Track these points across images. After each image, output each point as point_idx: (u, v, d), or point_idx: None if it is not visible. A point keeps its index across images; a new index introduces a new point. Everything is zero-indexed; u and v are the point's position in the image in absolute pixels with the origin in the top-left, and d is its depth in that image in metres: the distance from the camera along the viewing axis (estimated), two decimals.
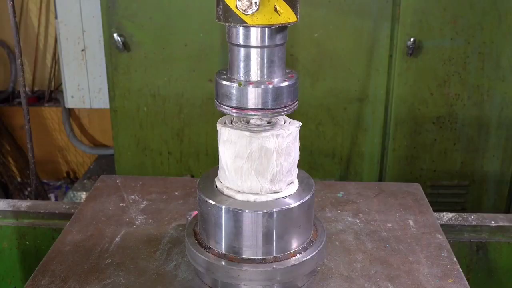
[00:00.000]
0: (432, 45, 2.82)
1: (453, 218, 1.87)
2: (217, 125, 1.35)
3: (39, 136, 4.75)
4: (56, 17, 3.68)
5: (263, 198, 1.34)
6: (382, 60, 2.87)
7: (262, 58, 1.26)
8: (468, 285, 1.41)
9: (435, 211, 1.81)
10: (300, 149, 1.39)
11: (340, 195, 1.88)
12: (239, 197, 1.34)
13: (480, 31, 2.78)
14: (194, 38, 2.86)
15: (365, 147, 3.03)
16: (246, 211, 1.30)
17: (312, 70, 2.89)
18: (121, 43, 2.84)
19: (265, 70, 1.27)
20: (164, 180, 2.00)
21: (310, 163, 3.05)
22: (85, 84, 3.81)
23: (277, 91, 1.26)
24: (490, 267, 1.90)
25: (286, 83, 1.28)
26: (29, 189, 4.75)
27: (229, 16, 1.21)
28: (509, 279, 1.92)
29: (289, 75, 1.31)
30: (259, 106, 1.26)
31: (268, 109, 1.27)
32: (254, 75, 1.27)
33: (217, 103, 1.31)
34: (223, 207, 1.31)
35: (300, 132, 1.37)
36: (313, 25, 2.81)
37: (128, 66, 2.93)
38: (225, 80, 1.28)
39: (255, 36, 1.24)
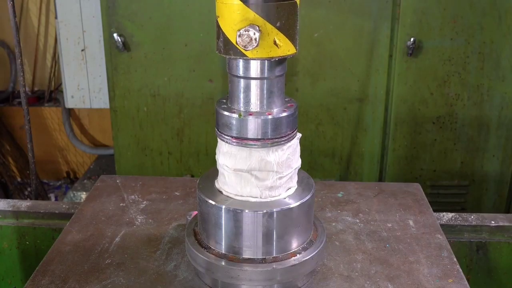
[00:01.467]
0: (432, 45, 2.82)
1: (453, 218, 1.87)
2: (218, 138, 1.36)
3: (39, 136, 4.75)
4: (56, 17, 3.68)
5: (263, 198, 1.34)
6: (382, 60, 2.87)
7: (261, 89, 1.29)
8: (468, 285, 1.41)
9: (435, 211, 1.81)
10: (300, 150, 1.39)
11: (340, 195, 1.88)
12: (239, 197, 1.34)
13: (480, 31, 2.78)
14: (194, 38, 2.86)
15: (365, 147, 3.03)
16: (246, 211, 1.30)
17: (312, 70, 2.89)
18: (121, 43, 2.84)
19: (265, 100, 1.29)
20: (164, 180, 2.00)
21: (310, 163, 3.05)
22: (85, 84, 3.81)
23: (277, 122, 1.29)
24: (490, 267, 1.90)
25: (285, 114, 1.30)
26: (29, 189, 4.75)
27: (229, 49, 1.23)
28: (509, 279, 1.92)
29: (289, 104, 1.33)
30: (259, 137, 1.28)
31: (268, 139, 1.29)
32: (254, 106, 1.29)
33: (218, 132, 1.34)
34: (223, 207, 1.32)
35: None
36: (313, 25, 2.81)
37: (128, 66, 2.93)
38: (226, 110, 1.30)
39: (255, 68, 1.26)
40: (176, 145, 3.08)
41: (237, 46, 1.20)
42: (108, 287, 1.39)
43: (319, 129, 2.99)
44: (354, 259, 1.51)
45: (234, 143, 1.30)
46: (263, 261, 1.33)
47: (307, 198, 1.35)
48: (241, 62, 1.26)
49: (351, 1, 2.78)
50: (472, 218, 1.88)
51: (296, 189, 1.39)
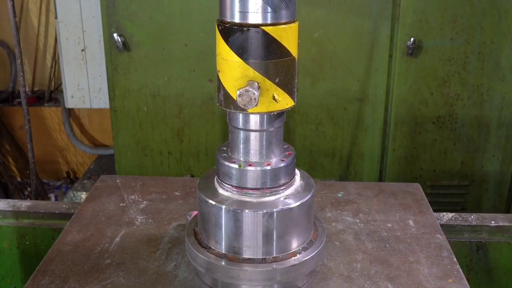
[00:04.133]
0: (432, 45, 2.82)
1: (453, 218, 1.87)
2: (217, 184, 1.38)
3: (39, 136, 4.75)
4: (56, 17, 3.69)
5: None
6: (382, 60, 2.87)
7: (261, 141, 1.33)
8: (468, 285, 1.41)
9: (435, 211, 1.81)
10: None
11: (340, 195, 1.88)
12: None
13: (480, 31, 2.78)
14: (194, 38, 2.86)
15: (365, 147, 3.03)
16: (246, 211, 1.30)
17: (312, 70, 2.89)
18: (121, 43, 2.84)
19: (264, 151, 1.34)
20: (164, 180, 2.00)
21: (310, 163, 3.05)
22: (85, 84, 3.82)
23: (275, 172, 1.33)
24: (490, 267, 1.90)
25: (283, 164, 1.34)
26: (29, 189, 4.75)
27: (229, 103, 1.26)
28: (509, 279, 1.92)
29: (287, 153, 1.38)
30: (258, 186, 1.33)
31: (267, 188, 1.33)
32: (253, 156, 1.33)
33: (218, 179, 1.38)
34: (223, 207, 1.32)
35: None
36: (313, 25, 2.81)
37: (128, 66, 2.93)
38: (226, 160, 1.34)
39: (254, 121, 1.31)
40: (176, 145, 3.08)
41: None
42: (108, 287, 1.39)
43: (319, 129, 2.99)
44: (354, 259, 1.51)
45: (234, 192, 1.34)
46: (263, 261, 1.33)
47: (307, 198, 1.36)
48: (241, 115, 1.30)
49: (351, 1, 2.78)
50: (472, 218, 1.88)
51: (296, 189, 1.39)
